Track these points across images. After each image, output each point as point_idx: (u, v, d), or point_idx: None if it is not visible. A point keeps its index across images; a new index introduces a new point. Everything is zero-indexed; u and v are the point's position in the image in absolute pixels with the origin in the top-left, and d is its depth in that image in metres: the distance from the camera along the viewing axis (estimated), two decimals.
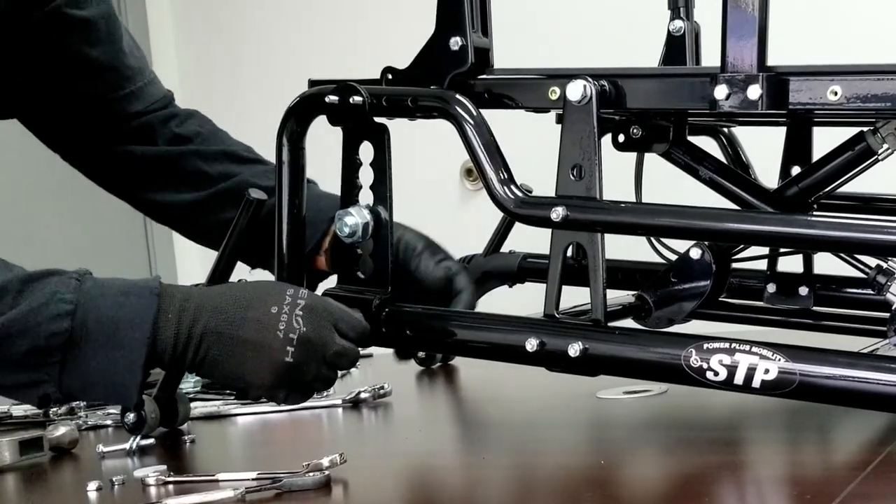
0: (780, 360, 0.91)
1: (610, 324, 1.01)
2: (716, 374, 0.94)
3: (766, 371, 0.92)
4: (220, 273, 1.14)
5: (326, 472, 0.92)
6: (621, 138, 1.15)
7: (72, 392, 1.01)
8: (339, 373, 1.45)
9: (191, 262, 2.69)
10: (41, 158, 2.51)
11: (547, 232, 1.02)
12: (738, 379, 0.93)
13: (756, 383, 0.92)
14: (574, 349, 0.99)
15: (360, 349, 1.07)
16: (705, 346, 0.94)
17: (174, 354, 1.01)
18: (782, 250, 1.22)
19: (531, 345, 1.00)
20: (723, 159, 1.23)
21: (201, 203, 1.33)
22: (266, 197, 1.14)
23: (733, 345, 0.93)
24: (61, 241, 2.55)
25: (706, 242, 1.13)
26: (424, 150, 1.91)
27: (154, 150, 1.33)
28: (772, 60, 0.96)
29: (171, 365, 1.03)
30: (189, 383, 1.34)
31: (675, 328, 1.10)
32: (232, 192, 1.29)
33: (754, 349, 0.92)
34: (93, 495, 0.97)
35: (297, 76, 1.31)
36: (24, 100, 1.29)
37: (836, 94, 0.93)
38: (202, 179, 1.33)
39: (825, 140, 1.17)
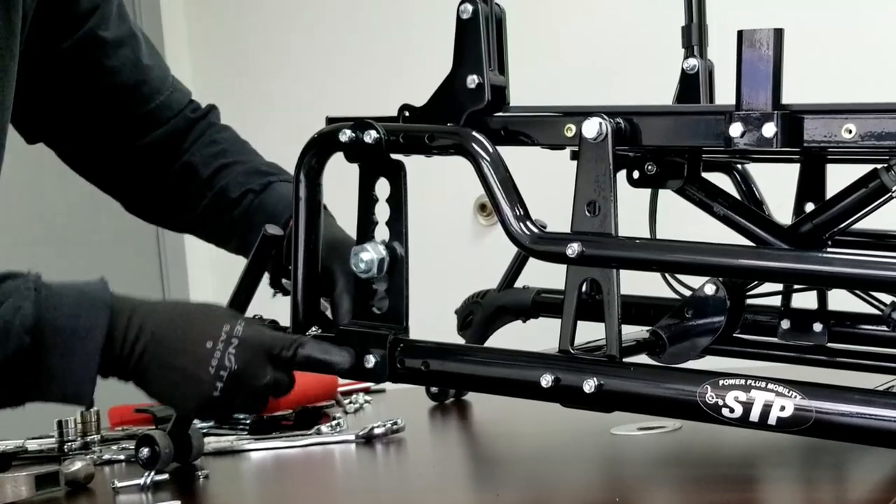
0: (796, 397, 0.91)
1: (625, 359, 1.01)
2: (731, 410, 0.94)
3: (783, 408, 0.92)
4: (237, 305, 1.15)
5: None
6: (636, 175, 1.15)
7: (30, 397, 1.06)
8: (353, 408, 1.47)
9: (203, 286, 2.70)
10: (52, 178, 2.53)
11: (560, 267, 1.02)
12: (754, 416, 0.93)
13: (772, 420, 0.92)
14: (589, 385, 0.99)
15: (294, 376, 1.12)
16: (721, 382, 0.94)
17: (118, 364, 1.07)
18: (797, 287, 1.22)
19: (546, 380, 1.00)
20: (736, 195, 1.24)
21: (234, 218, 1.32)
22: (282, 233, 1.15)
23: (749, 381, 0.93)
24: (73, 254, 2.56)
25: (720, 278, 1.13)
26: (438, 186, 1.91)
27: (182, 164, 1.33)
28: (786, 99, 0.96)
29: (114, 373, 1.08)
30: None
31: (689, 364, 1.10)
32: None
33: (770, 386, 0.92)
34: None
35: (311, 112, 1.32)
36: (52, 125, 1.30)
37: (850, 131, 0.93)
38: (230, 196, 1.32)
39: (839, 176, 1.17)
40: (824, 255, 0.99)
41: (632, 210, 1.14)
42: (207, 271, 2.72)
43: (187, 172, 1.31)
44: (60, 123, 1.30)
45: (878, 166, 1.05)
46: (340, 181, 1.18)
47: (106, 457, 1.26)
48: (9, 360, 1.03)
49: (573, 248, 0.99)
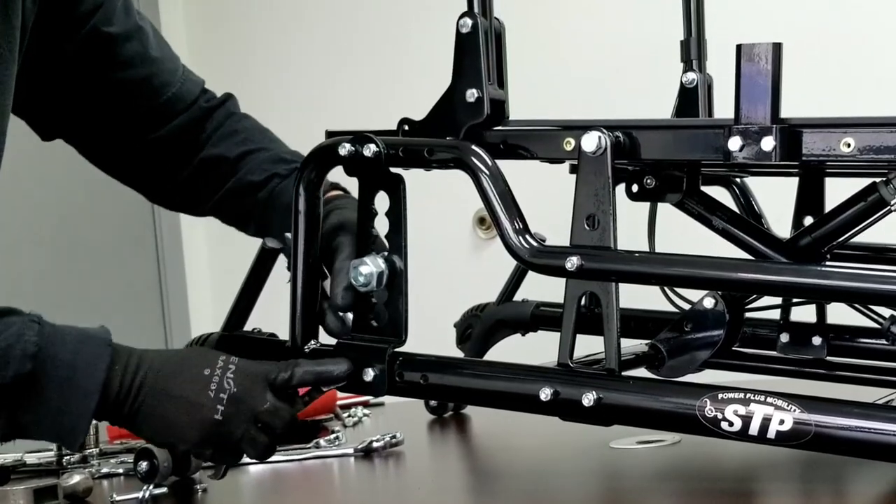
0: (795, 410, 0.91)
1: (624, 373, 1.01)
2: (731, 424, 0.94)
3: (782, 422, 0.92)
4: (237, 318, 1.15)
5: None
6: (635, 188, 1.16)
7: (23, 430, 1.04)
8: (351, 421, 1.47)
9: (203, 310, 2.70)
10: (52, 205, 2.54)
11: (559, 281, 1.02)
12: (753, 429, 0.93)
13: (771, 434, 0.92)
14: (588, 399, 0.99)
15: (294, 409, 1.09)
16: (720, 396, 0.94)
17: (115, 404, 1.05)
18: (796, 300, 1.22)
19: (545, 394, 1.00)
20: (735, 209, 1.24)
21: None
22: (281, 246, 1.15)
23: (748, 395, 0.93)
24: (75, 282, 2.56)
25: (719, 292, 1.13)
26: (437, 199, 1.91)
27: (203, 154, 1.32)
28: (785, 112, 0.96)
29: (109, 414, 1.06)
30: None
31: (688, 378, 1.10)
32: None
33: (769, 399, 0.92)
34: None
35: (310, 117, 1.32)
36: (67, 122, 1.30)
37: (849, 145, 0.94)
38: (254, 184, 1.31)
39: (837, 190, 1.17)
40: (823, 268, 0.99)
41: (631, 224, 1.14)
42: (206, 276, 2.72)
43: (211, 162, 1.31)
44: (75, 120, 1.30)
45: (877, 180, 1.06)
46: None
47: (104, 470, 1.26)
48: (6, 386, 1.01)
49: (572, 262, 0.99)
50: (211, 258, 2.71)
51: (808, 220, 1.21)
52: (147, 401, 1.05)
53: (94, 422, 1.29)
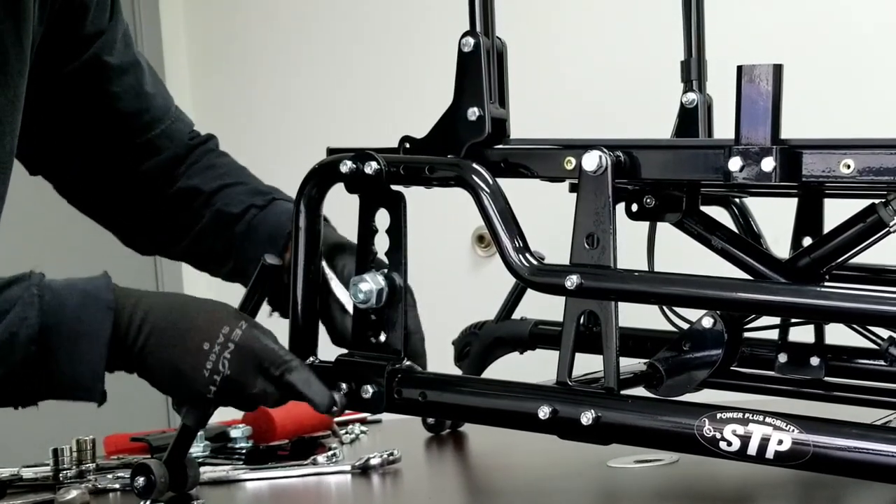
0: (793, 430, 0.91)
1: (622, 392, 1.01)
2: (729, 444, 0.94)
3: (780, 442, 0.92)
4: None
5: None
6: (634, 207, 1.16)
7: (40, 398, 1.08)
8: (349, 438, 1.47)
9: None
10: (50, 237, 2.52)
11: (558, 299, 1.02)
12: (752, 449, 0.93)
13: (769, 454, 0.92)
14: (587, 417, 0.99)
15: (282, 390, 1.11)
16: (718, 415, 0.94)
17: (121, 362, 1.08)
18: (794, 320, 1.22)
19: (543, 412, 1.00)
20: (734, 229, 1.24)
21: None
22: (281, 263, 1.15)
23: (747, 415, 0.93)
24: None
25: (718, 311, 1.13)
26: (436, 217, 1.92)
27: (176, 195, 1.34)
28: (784, 133, 0.97)
29: (117, 368, 1.09)
30: (199, 448, 1.34)
31: (686, 397, 1.10)
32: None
33: (768, 419, 0.92)
34: None
35: (311, 142, 1.32)
36: (51, 152, 1.30)
37: (848, 167, 0.94)
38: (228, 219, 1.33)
39: (837, 211, 1.17)
40: (822, 289, 1.00)
41: (631, 243, 1.14)
42: (204, 295, 2.72)
43: (187, 194, 1.32)
44: (59, 150, 1.30)
45: (876, 201, 1.06)
46: (342, 212, 1.19)
47: (101, 485, 1.25)
48: (16, 367, 1.04)
49: (572, 281, 1.00)
50: (210, 277, 2.70)
51: (807, 241, 1.22)
52: (148, 360, 1.08)
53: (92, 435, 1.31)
